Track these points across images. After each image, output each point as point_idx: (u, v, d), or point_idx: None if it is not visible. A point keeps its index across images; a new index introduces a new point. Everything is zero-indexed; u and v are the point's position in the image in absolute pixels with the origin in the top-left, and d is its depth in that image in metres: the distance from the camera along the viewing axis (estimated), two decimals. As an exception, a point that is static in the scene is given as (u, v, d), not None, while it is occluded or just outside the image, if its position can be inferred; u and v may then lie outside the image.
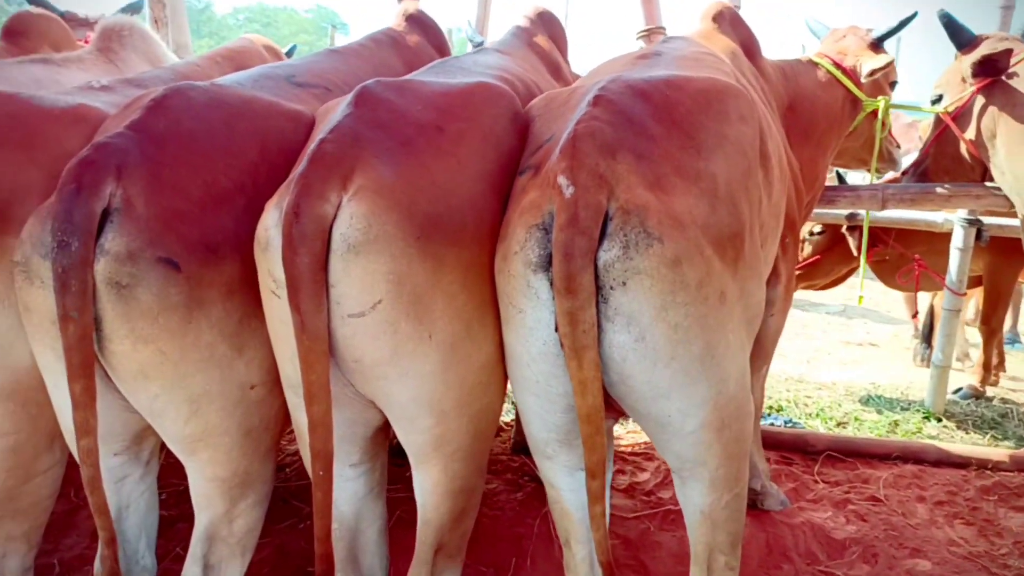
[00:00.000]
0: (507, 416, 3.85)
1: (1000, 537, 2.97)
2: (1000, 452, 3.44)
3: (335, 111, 1.61)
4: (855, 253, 4.32)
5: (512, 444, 3.49)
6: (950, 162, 3.35)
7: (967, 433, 4.26)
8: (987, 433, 4.27)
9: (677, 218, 1.38)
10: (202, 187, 1.54)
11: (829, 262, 4.66)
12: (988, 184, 3.19)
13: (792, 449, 3.54)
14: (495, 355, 1.59)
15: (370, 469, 1.78)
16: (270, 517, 2.49)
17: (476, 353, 1.55)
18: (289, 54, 3.84)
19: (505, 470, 3.32)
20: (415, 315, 1.44)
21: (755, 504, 3.02)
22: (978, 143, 3.14)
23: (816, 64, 3.18)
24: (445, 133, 1.58)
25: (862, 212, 4.07)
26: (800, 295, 7.80)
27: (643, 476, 3.33)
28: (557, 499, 1.71)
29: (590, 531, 1.68)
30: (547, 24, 3.03)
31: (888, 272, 4.66)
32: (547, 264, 1.39)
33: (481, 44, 2.96)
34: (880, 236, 4.53)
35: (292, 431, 1.77)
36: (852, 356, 6.04)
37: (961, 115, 3.19)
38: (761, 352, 2.91)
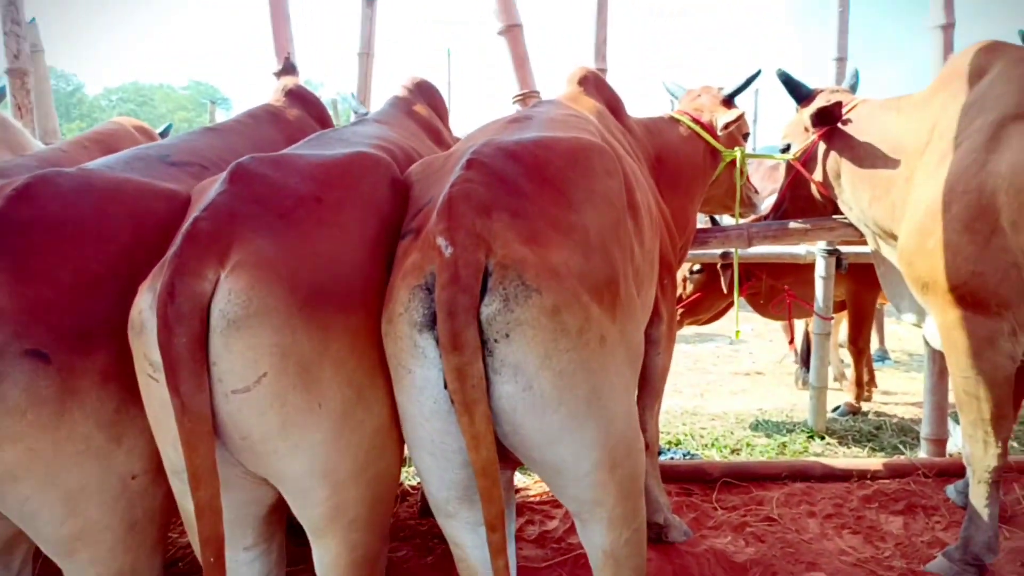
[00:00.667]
0: (414, 480, 3.82)
1: (883, 541, 3.18)
2: (876, 462, 3.69)
3: (210, 189, 1.62)
4: (725, 291, 4.60)
5: (420, 508, 3.46)
6: (804, 202, 3.66)
7: (848, 447, 4.56)
8: (865, 446, 4.58)
9: (553, 269, 1.45)
10: (71, 274, 1.50)
11: (709, 298, 4.94)
12: (837, 217, 3.51)
13: (691, 480, 3.68)
14: (389, 418, 1.61)
15: (266, 551, 1.73)
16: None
17: (369, 418, 1.56)
18: (164, 134, 3.78)
19: (414, 535, 3.27)
20: (303, 385, 1.44)
21: (660, 537, 3.11)
22: (826, 183, 3.46)
23: (677, 120, 3.44)
24: (324, 203, 1.61)
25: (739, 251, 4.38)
26: (691, 332, 8.19)
27: (552, 524, 3.37)
28: (463, 557, 1.72)
29: None
30: (425, 93, 3.14)
31: (762, 304, 4.98)
32: (432, 323, 1.44)
33: (365, 115, 3.04)
34: (753, 271, 4.86)
35: (181, 521, 1.71)
36: (741, 386, 6.36)
37: (808, 160, 3.52)
38: (651, 390, 3.04)
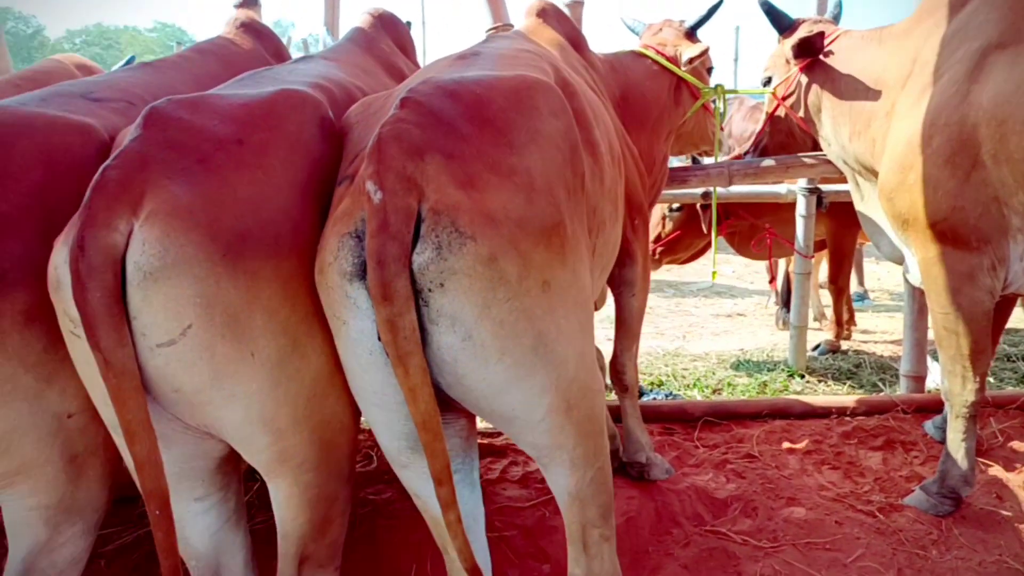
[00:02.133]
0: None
1: (863, 476, 3.23)
2: (855, 399, 3.73)
3: (126, 135, 1.54)
4: (705, 230, 4.58)
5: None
6: (784, 137, 3.61)
7: (827, 385, 4.61)
8: (845, 383, 4.64)
9: (490, 215, 1.38)
10: None
11: (688, 237, 4.91)
12: (817, 154, 3.46)
13: (673, 419, 3.70)
14: (331, 365, 1.55)
15: (222, 500, 1.70)
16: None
17: (307, 366, 1.51)
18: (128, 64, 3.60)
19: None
20: (232, 335, 1.38)
21: (642, 476, 3.15)
22: (807, 118, 3.40)
23: (642, 55, 3.34)
24: (246, 145, 1.52)
25: (719, 190, 4.34)
26: (673, 276, 8.20)
27: (536, 465, 3.39)
28: (424, 508, 1.70)
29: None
30: (388, 26, 2.99)
31: (742, 243, 4.97)
32: (362, 273, 1.37)
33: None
34: (732, 210, 4.83)
35: None
36: (723, 327, 6.39)
37: (789, 94, 3.44)
38: (628, 331, 3.03)
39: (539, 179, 1.49)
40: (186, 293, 1.34)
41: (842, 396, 4.03)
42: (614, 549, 1.77)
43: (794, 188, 4.49)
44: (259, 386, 1.45)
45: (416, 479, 1.65)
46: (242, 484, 1.81)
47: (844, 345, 5.27)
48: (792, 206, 4.60)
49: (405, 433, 1.55)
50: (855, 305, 6.11)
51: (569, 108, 1.73)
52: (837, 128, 3.21)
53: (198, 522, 1.69)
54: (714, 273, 3.79)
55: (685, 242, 4.94)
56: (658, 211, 5.04)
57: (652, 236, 5.14)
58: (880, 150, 2.95)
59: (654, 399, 4.35)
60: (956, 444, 2.85)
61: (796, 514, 2.92)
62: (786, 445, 3.47)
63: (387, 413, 1.52)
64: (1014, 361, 4.85)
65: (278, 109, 1.66)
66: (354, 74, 2.44)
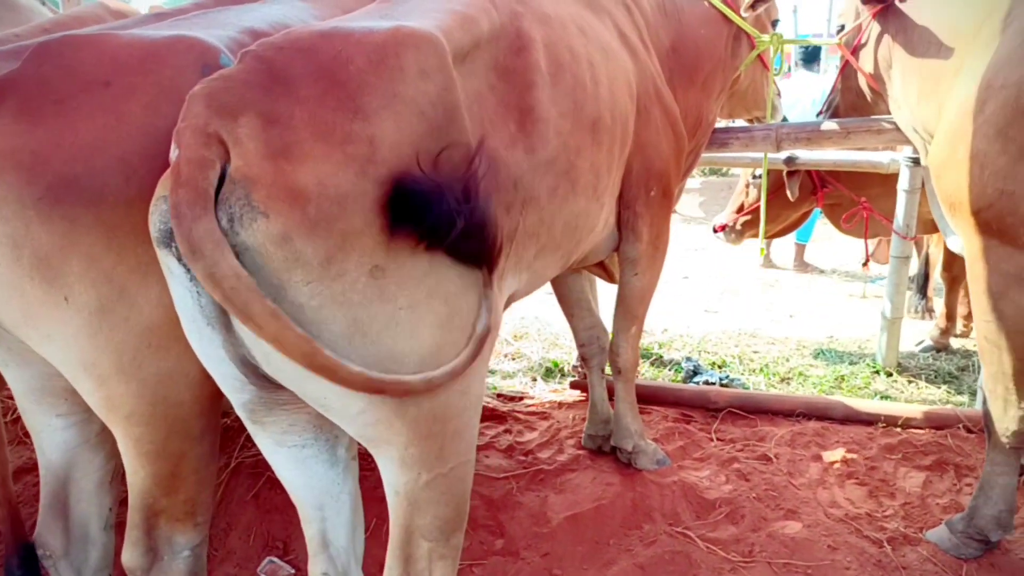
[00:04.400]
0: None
1: (892, 498, 2.79)
2: (912, 408, 3.22)
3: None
4: (791, 198, 4.06)
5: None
6: (855, 97, 3.09)
7: (919, 388, 4.02)
8: (941, 387, 4.02)
9: (295, 190, 1.24)
10: None
11: (775, 207, 4.39)
12: (888, 117, 2.92)
13: (694, 406, 3.39)
14: (169, 318, 1.50)
15: (84, 421, 1.75)
16: None
17: (136, 316, 1.47)
18: None
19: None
20: (42, 278, 1.39)
21: (629, 463, 2.92)
22: (876, 75, 2.87)
23: None
24: (111, 88, 1.49)
25: (802, 155, 3.83)
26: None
27: (529, 436, 3.25)
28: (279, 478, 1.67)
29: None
30: None
31: (840, 216, 4.37)
32: (170, 237, 1.29)
33: None
34: (829, 179, 4.25)
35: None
36: (823, 310, 5.69)
37: (860, 46, 2.92)
38: (626, 312, 2.77)
39: (386, 150, 1.32)
40: None
41: (897, 403, 3.49)
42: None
43: (898, 157, 3.86)
44: (75, 331, 1.45)
45: (264, 445, 1.62)
46: None
47: (956, 343, 4.55)
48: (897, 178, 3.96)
49: (242, 403, 1.51)
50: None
51: (449, 67, 1.49)
52: (907, 87, 2.68)
53: (56, 436, 1.77)
54: (762, 250, 3.36)
55: (770, 213, 4.42)
56: (742, 178, 4.57)
57: (735, 206, 4.67)
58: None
59: (707, 381, 4.01)
60: (992, 478, 2.37)
61: (787, 530, 2.59)
62: (813, 451, 3.07)
63: (222, 383, 1.47)
64: None
65: (160, 54, 1.61)
66: (329, 17, 2.34)
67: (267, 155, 1.25)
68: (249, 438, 2.89)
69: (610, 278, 2.94)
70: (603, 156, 2.12)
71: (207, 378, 1.60)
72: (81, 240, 1.40)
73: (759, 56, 2.99)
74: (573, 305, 3.04)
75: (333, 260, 1.26)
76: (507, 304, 1.95)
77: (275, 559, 2.56)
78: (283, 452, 1.64)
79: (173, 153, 1.27)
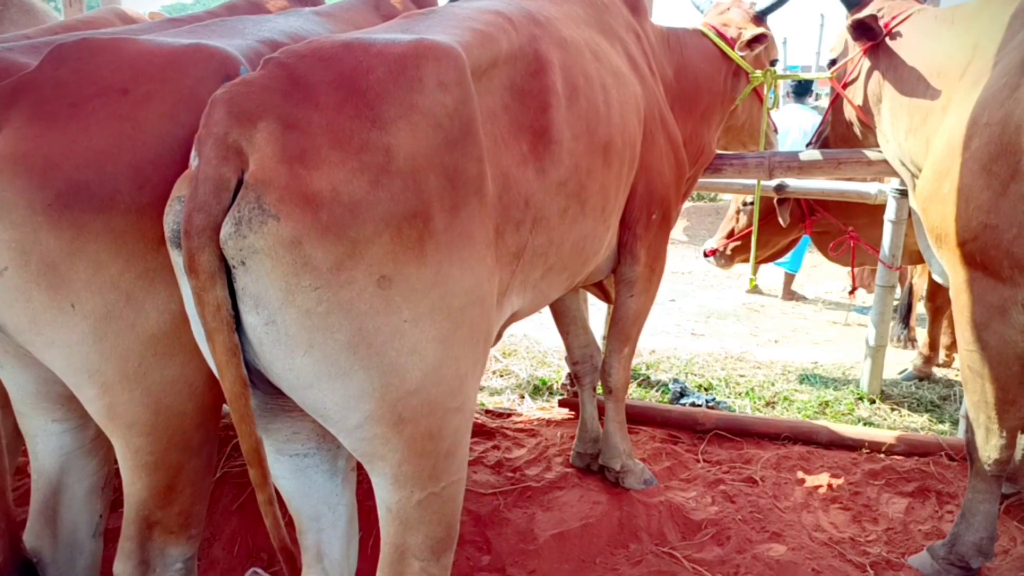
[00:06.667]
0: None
1: (875, 523, 2.83)
2: (894, 435, 3.26)
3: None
4: (783, 224, 4.13)
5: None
6: (846, 129, 3.16)
7: (901, 415, 4.07)
8: (923, 415, 4.07)
9: (308, 194, 1.26)
10: None
11: (765, 233, 4.45)
12: (880, 150, 3.00)
13: (681, 427, 3.42)
14: (175, 325, 1.52)
15: (80, 427, 1.75)
16: None
17: (143, 323, 1.48)
18: None
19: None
20: (49, 284, 1.39)
21: (617, 482, 2.94)
22: (866, 109, 2.95)
23: (702, 34, 3.04)
24: (129, 95, 1.50)
25: (792, 183, 3.90)
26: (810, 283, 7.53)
27: (517, 452, 3.26)
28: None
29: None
30: None
31: (828, 244, 4.45)
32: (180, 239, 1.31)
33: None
34: (817, 208, 4.33)
35: None
36: (812, 337, 5.79)
37: (851, 80, 3.00)
38: (619, 333, 2.80)
39: (402, 160, 1.34)
40: (3, 237, 1.37)
41: (879, 430, 3.53)
42: None
43: (885, 188, 3.94)
44: (80, 337, 1.45)
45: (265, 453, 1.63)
46: None
47: (939, 372, 4.62)
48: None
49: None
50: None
51: (468, 81, 1.52)
52: (895, 122, 2.76)
53: (51, 441, 1.76)
54: (751, 280, 3.41)
55: (760, 239, 4.49)
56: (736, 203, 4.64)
57: (725, 232, 4.74)
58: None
59: (693, 403, 4.04)
60: (973, 505, 2.41)
61: (772, 552, 2.61)
62: (798, 475, 3.10)
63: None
64: None
65: (180, 62, 1.62)
66: (344, 32, 2.38)
67: (283, 159, 1.27)
68: (235, 448, 2.92)
69: (606, 297, 2.97)
70: (612, 179, 2.17)
71: (209, 388, 1.62)
72: (89, 246, 1.41)
73: (755, 90, 3.06)
74: (569, 323, 3.07)
75: (343, 267, 1.28)
76: (509, 322, 1.98)
77: (259, 570, 2.54)
78: (284, 460, 1.65)
79: (193, 161, 1.30)
